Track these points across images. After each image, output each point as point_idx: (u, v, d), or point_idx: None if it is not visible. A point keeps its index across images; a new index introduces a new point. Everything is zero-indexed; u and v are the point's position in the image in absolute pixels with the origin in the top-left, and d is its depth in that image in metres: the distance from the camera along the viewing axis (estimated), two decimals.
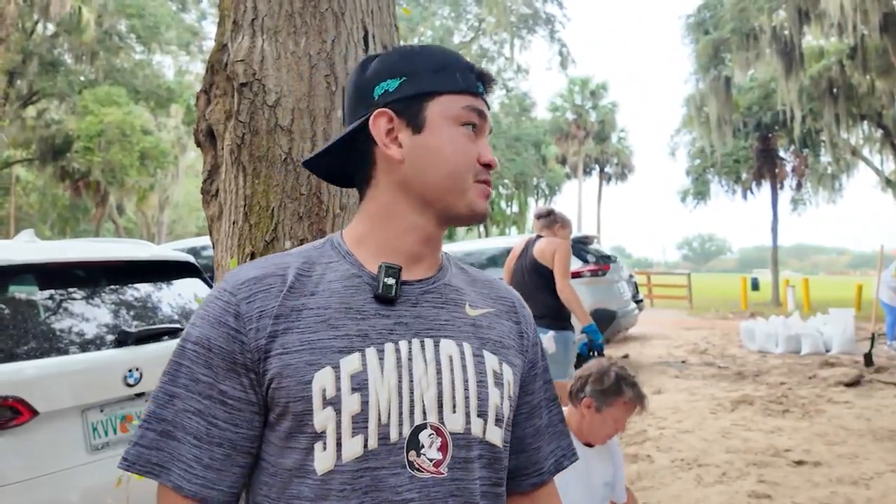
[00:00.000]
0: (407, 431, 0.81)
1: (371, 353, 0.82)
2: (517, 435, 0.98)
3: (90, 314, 2.86)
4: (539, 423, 1.00)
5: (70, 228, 28.80)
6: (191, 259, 3.50)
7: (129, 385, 2.71)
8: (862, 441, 4.94)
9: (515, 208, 37.79)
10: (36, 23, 20.08)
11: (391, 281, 0.85)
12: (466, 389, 0.85)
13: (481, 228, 36.83)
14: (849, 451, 4.71)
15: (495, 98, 31.12)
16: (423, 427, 0.82)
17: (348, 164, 0.93)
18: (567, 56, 27.89)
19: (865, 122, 18.96)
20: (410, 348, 0.84)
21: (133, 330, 2.85)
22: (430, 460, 0.82)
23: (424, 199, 0.87)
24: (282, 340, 0.81)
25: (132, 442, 0.83)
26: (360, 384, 0.80)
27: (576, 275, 7.81)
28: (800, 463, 4.47)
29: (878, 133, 19.41)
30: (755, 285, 21.82)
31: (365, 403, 0.80)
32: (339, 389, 0.79)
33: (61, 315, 2.80)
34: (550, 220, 4.57)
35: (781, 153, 21.62)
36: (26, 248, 2.98)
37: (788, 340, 9.48)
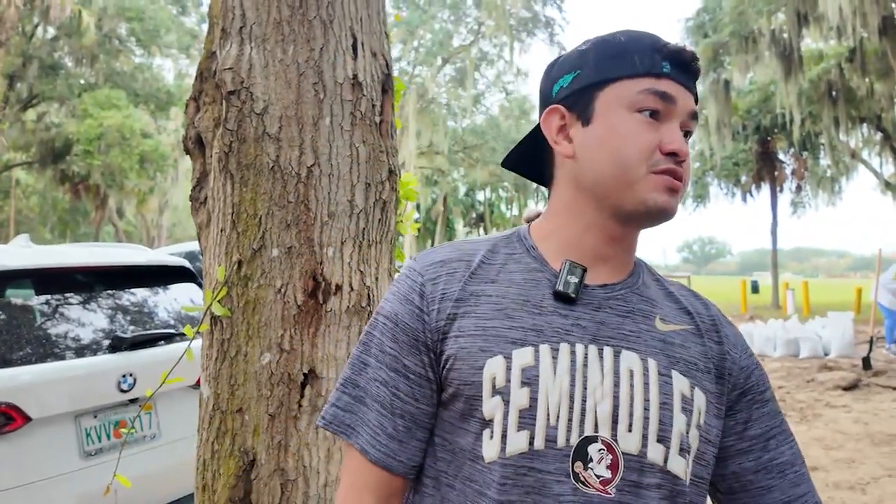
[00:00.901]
0: (575, 440, 0.76)
1: (545, 349, 0.79)
2: (733, 470, 0.86)
3: (84, 319, 2.86)
4: (766, 457, 0.86)
5: (70, 231, 28.80)
6: (186, 264, 3.49)
7: (122, 391, 2.71)
8: (859, 445, 4.93)
9: (515, 211, 37.82)
10: (36, 26, 20.10)
11: (573, 279, 0.82)
12: (646, 409, 0.78)
13: (480, 231, 36.86)
14: (846, 455, 4.70)
15: (495, 101, 31.17)
16: (593, 440, 0.77)
17: (536, 161, 0.93)
18: None
19: (865, 125, 18.97)
20: (587, 353, 0.79)
21: (127, 335, 2.85)
22: (598, 477, 0.76)
23: (597, 195, 0.82)
24: (459, 323, 0.81)
25: (330, 403, 0.86)
26: (530, 379, 0.77)
27: None
28: None
29: (878, 136, 19.42)
30: (755, 288, 21.82)
31: (534, 399, 0.77)
32: (508, 381, 0.77)
33: (55, 320, 2.79)
34: None
35: (781, 156, 21.64)
36: (21, 253, 2.98)
37: (787, 344, 9.47)
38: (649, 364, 0.80)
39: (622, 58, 0.81)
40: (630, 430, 0.77)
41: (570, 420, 0.76)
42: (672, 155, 0.79)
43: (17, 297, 2.83)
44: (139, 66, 23.12)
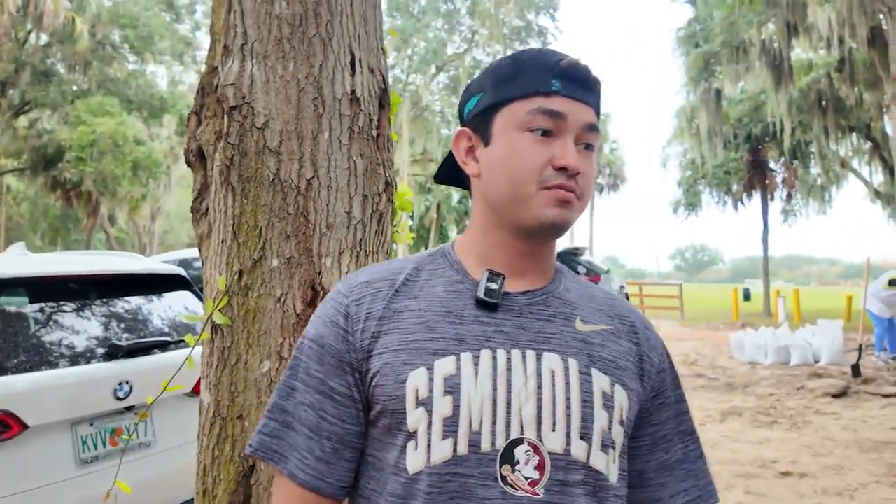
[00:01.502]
0: (501, 443, 0.78)
1: (466, 357, 0.81)
2: (637, 468, 0.91)
3: (80, 327, 2.87)
4: (667, 458, 0.91)
5: (61, 238, 28.67)
6: (181, 272, 3.51)
7: (119, 398, 2.72)
8: (848, 452, 4.99)
9: None
10: (29, 33, 20.08)
11: (493, 286, 0.84)
12: (569, 408, 0.81)
13: None
14: (835, 462, 4.76)
15: None
16: (519, 442, 0.79)
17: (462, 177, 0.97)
18: None
19: (854, 134, 19.17)
20: (509, 358, 0.81)
21: (123, 343, 2.86)
22: (526, 479, 0.78)
23: (499, 213, 0.86)
24: (383, 340, 0.83)
25: (257, 430, 0.88)
26: (452, 387, 0.79)
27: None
28: (786, 474, 4.51)
29: (867, 145, 19.62)
30: (746, 296, 21.96)
31: (456, 407, 0.78)
32: (431, 391, 0.79)
33: (51, 328, 2.81)
34: None
35: (772, 164, 21.82)
36: (17, 261, 3.00)
37: (778, 351, 9.55)
38: (570, 364, 0.83)
39: (515, 79, 0.85)
40: (554, 430, 0.79)
41: (494, 424, 0.78)
42: (563, 170, 0.82)
43: (13, 304, 2.84)
44: (132, 73, 23.11)
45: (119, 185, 20.06)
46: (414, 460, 0.79)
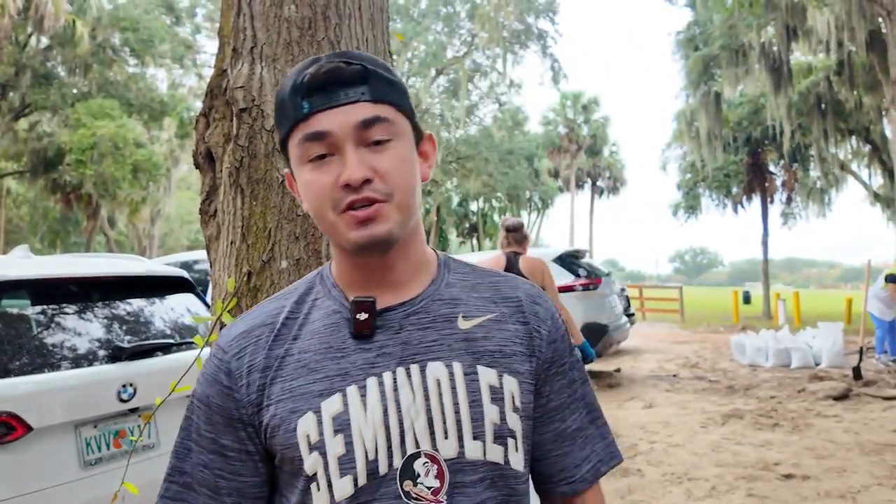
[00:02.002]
0: (398, 462, 0.80)
1: (352, 391, 0.81)
2: (535, 440, 0.92)
3: (84, 329, 2.88)
4: (563, 427, 0.92)
5: (61, 241, 28.66)
6: (184, 274, 3.52)
7: (122, 400, 2.73)
8: (850, 455, 4.99)
9: None
10: (29, 36, 20.10)
11: (363, 316, 0.83)
12: (457, 413, 0.82)
13: (474, 241, 36.90)
14: (837, 464, 4.76)
15: (488, 112, 31.31)
16: (416, 456, 0.80)
17: None
18: (559, 71, 28.14)
19: (853, 137, 19.20)
20: (395, 378, 0.82)
21: (127, 345, 2.87)
22: (428, 488, 0.80)
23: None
24: (269, 391, 0.83)
25: (160, 495, 0.88)
26: (342, 425, 0.80)
27: (567, 289, 7.87)
28: (788, 477, 4.51)
29: (867, 148, 19.65)
30: (746, 299, 21.94)
31: (349, 444, 0.80)
32: (321, 434, 0.80)
33: (55, 330, 2.81)
34: (522, 234, 4.17)
35: (771, 167, 21.84)
36: (21, 263, 3.00)
37: (778, 354, 9.55)
38: (454, 368, 0.83)
39: (280, 112, 0.83)
40: (446, 437, 0.81)
41: (389, 448, 0.80)
42: (347, 187, 0.78)
43: (17, 307, 2.85)
44: (133, 76, 23.13)
45: (119, 187, 20.06)
46: (319, 500, 0.80)
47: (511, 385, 0.85)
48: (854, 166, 20.85)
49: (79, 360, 2.74)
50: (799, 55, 18.21)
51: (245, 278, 1.35)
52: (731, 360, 10.29)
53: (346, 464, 0.79)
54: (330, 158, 0.79)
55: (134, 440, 2.70)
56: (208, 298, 3.96)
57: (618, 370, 9.30)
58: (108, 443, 2.70)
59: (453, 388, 0.83)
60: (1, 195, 25.55)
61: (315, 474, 0.80)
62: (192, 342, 3.13)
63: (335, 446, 0.79)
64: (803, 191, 21.90)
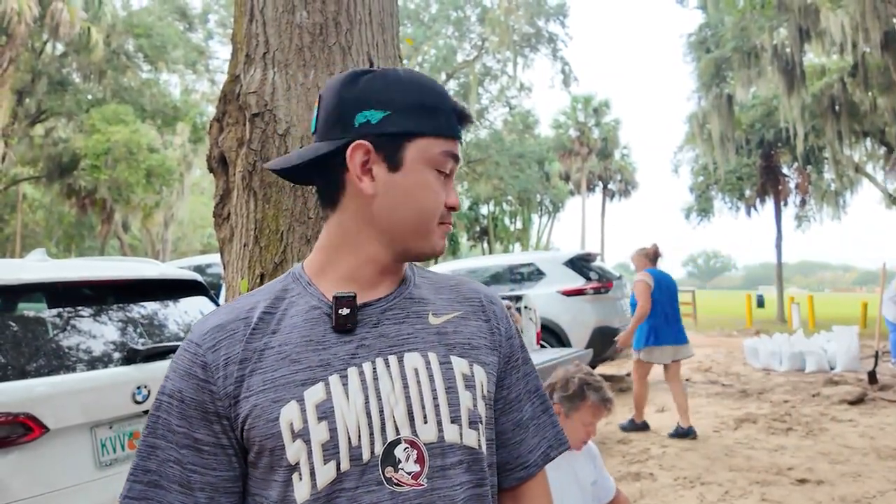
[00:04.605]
0: (379, 449, 0.82)
1: (334, 380, 0.83)
2: (497, 430, 0.97)
3: (99, 332, 2.91)
4: (520, 417, 0.99)
5: (76, 245, 28.95)
6: (198, 277, 3.55)
7: (137, 402, 2.76)
8: (865, 460, 4.94)
9: (519, 224, 37.87)
10: (45, 43, 20.37)
11: (346, 311, 0.86)
12: (435, 399, 0.86)
13: (484, 245, 36.88)
14: (852, 469, 4.71)
15: (499, 115, 31.36)
16: (397, 442, 0.83)
17: (315, 176, 0.93)
18: (569, 74, 28.12)
19: (868, 139, 19.03)
20: (375, 368, 0.85)
21: (141, 347, 2.90)
22: (409, 473, 0.83)
23: (390, 237, 0.89)
24: (248, 383, 0.83)
25: (122, 495, 0.86)
26: (325, 412, 0.82)
27: (578, 292, 7.85)
28: (802, 481, 4.47)
29: (882, 150, 19.47)
30: (760, 302, 21.80)
31: (333, 430, 0.82)
32: (305, 421, 0.81)
33: (71, 333, 2.85)
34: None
35: (785, 170, 21.70)
36: (37, 266, 3.05)
37: (792, 358, 9.46)
38: (430, 357, 0.89)
39: (433, 115, 0.88)
40: (426, 422, 0.85)
41: (371, 434, 0.83)
42: (451, 209, 0.91)
43: (34, 310, 2.89)
44: (146, 82, 23.38)
45: (133, 192, 20.26)
46: (301, 490, 0.81)
47: (480, 374, 0.92)
48: (869, 168, 20.67)
49: (94, 363, 2.77)
50: (812, 56, 18.09)
51: (258, 280, 1.37)
52: (744, 364, 10.21)
53: (330, 449, 0.81)
54: (445, 178, 0.90)
55: None
56: (221, 301, 4.00)
57: (629, 374, 9.26)
58: (123, 444, 2.73)
59: (430, 376, 0.88)
60: (17, 200, 25.86)
61: (297, 463, 0.81)
62: None
63: (319, 433, 0.81)
64: (817, 193, 21.73)
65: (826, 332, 10.51)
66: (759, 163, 20.74)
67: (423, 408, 0.85)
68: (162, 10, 23.82)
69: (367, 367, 0.85)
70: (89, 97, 22.01)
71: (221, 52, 27.41)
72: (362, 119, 0.87)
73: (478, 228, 36.95)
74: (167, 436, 0.85)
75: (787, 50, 15.76)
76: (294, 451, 0.81)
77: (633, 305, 5.91)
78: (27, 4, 17.01)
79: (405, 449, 0.84)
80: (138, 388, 2.76)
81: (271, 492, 0.83)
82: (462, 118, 0.91)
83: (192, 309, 3.39)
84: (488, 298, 1.01)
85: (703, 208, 23.15)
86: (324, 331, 0.87)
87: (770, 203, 21.52)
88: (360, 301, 0.88)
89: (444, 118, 0.88)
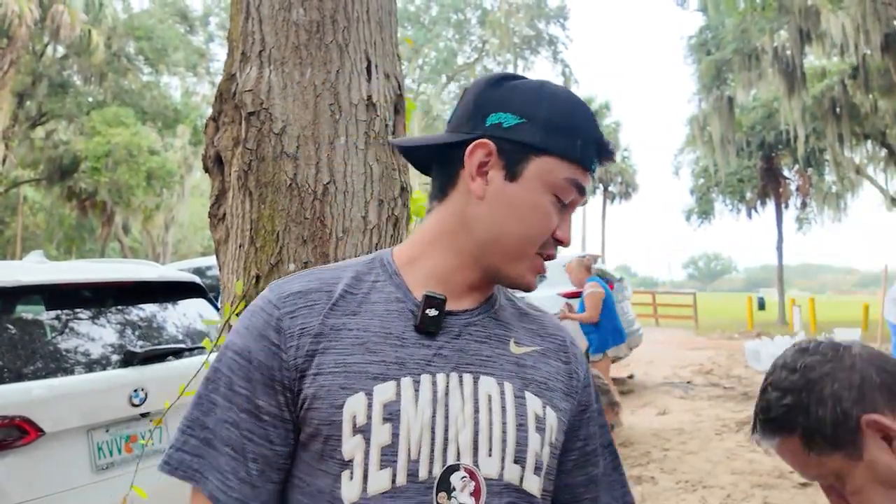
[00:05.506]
0: (438, 471, 0.77)
1: (406, 382, 0.78)
2: (566, 483, 0.91)
3: (96, 334, 2.89)
4: (595, 472, 0.92)
5: (76, 248, 28.96)
6: (196, 280, 3.53)
7: (134, 405, 2.73)
8: None
9: None
10: (46, 45, 20.39)
11: (434, 313, 0.81)
12: (504, 433, 0.80)
13: None
14: None
15: None
16: (455, 468, 0.77)
17: (434, 164, 0.88)
18: (570, 76, 28.15)
19: (869, 141, 19.02)
20: (448, 382, 0.80)
21: (139, 350, 2.88)
22: None
23: (482, 249, 0.83)
24: (318, 360, 0.78)
25: (174, 447, 0.81)
26: (392, 414, 0.77)
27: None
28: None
29: (882, 152, 19.46)
30: (761, 305, 21.77)
31: (395, 436, 0.76)
32: (370, 418, 0.76)
33: (68, 335, 2.83)
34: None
35: (785, 172, 21.69)
36: (35, 268, 3.03)
37: None
38: (506, 387, 0.82)
39: (570, 137, 0.81)
40: (490, 455, 0.79)
41: (432, 452, 0.77)
42: (558, 242, 0.84)
43: (30, 312, 2.87)
44: (147, 84, 23.40)
45: (133, 194, 20.27)
46: (349, 490, 0.76)
47: (552, 419, 0.85)
48: (870, 170, 20.65)
49: (91, 365, 2.75)
50: (812, 59, 18.08)
51: (253, 281, 1.35)
52: (745, 367, 10.19)
53: (389, 455, 0.76)
54: (563, 208, 0.83)
55: (143, 444, 2.70)
56: (220, 303, 3.97)
57: (631, 376, 9.23)
58: (120, 447, 2.71)
59: (503, 407, 0.81)
60: (18, 203, 25.88)
61: (351, 460, 0.76)
62: (203, 347, 3.14)
63: (382, 434, 0.76)
64: (818, 195, 21.71)
65: (828, 335, 10.49)
66: (760, 165, 20.72)
67: (490, 439, 0.79)
68: (163, 12, 23.85)
69: (440, 378, 0.79)
70: (90, 99, 22.03)
71: (222, 55, 27.38)
72: (495, 120, 0.82)
73: None
74: (228, 395, 0.80)
75: (788, 52, 15.75)
76: (351, 446, 0.76)
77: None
78: (28, 7, 17.03)
79: (462, 478, 0.77)
80: (135, 390, 2.74)
81: (318, 481, 0.78)
82: (603, 153, 0.84)
83: (190, 311, 3.37)
84: (570, 339, 0.94)
85: (704, 210, 23.13)
86: (404, 327, 0.81)
87: (771, 205, 21.50)
88: (446, 307, 0.83)
89: (581, 144, 0.82)
